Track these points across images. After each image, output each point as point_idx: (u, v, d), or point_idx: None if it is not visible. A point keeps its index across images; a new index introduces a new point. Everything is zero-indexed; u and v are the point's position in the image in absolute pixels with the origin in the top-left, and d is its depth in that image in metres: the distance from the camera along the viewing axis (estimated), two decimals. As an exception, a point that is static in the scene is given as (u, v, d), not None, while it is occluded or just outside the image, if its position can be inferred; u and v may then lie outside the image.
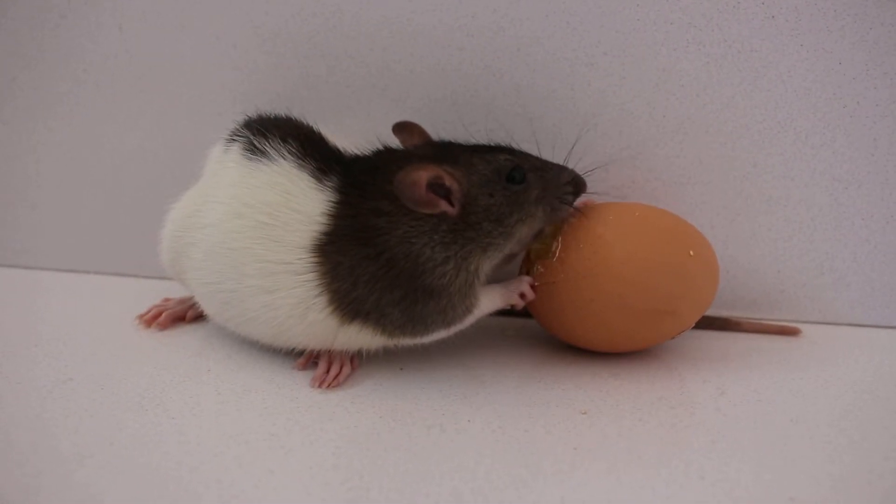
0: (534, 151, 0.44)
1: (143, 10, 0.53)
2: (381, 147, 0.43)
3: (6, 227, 0.60)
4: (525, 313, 0.46)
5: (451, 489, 0.32)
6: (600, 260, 0.42)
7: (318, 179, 0.41)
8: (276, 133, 0.42)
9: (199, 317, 0.50)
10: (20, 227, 0.60)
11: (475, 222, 0.40)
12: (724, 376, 0.43)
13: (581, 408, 0.39)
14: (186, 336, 0.48)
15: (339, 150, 0.43)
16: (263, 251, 0.40)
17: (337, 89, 0.52)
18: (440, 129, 0.48)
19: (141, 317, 0.50)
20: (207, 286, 0.43)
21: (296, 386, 0.42)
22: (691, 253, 0.43)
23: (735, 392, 0.41)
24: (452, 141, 0.44)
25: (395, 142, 0.45)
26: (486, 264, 0.41)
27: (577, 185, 0.42)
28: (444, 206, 0.39)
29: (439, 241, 0.39)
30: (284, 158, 0.41)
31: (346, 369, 0.42)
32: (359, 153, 0.43)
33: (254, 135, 0.43)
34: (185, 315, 0.50)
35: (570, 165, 0.43)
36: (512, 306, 0.44)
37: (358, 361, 0.44)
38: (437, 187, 0.39)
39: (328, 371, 0.42)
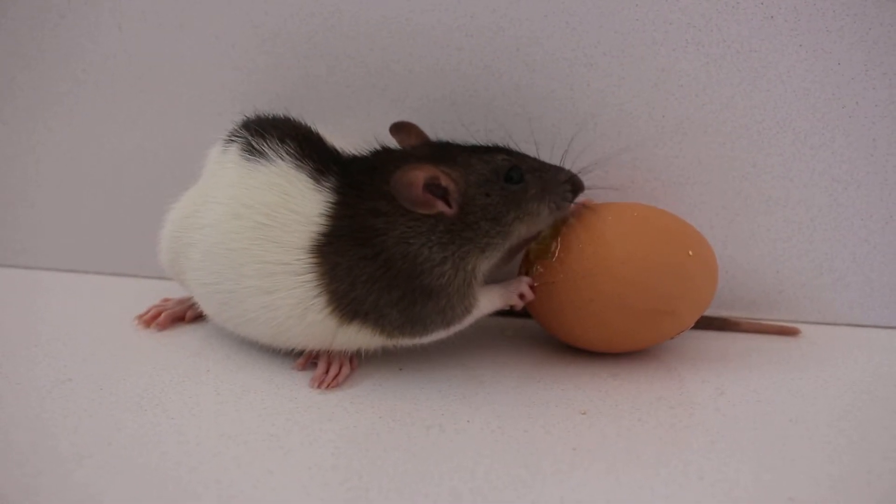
0: (532, 152, 0.44)
1: (142, 10, 0.53)
2: (378, 147, 0.43)
3: (6, 226, 0.60)
4: (524, 313, 0.46)
5: (451, 489, 0.32)
6: (599, 260, 0.42)
7: (316, 180, 0.41)
8: (274, 134, 0.42)
9: (199, 317, 0.50)
10: (20, 227, 0.60)
11: (473, 222, 0.40)
12: (723, 376, 0.43)
13: (580, 408, 0.39)
14: (185, 336, 0.48)
15: (336, 150, 0.43)
16: (262, 252, 0.40)
17: (336, 89, 0.52)
18: (439, 129, 0.48)
19: (140, 317, 0.50)
20: (206, 287, 0.43)
21: (295, 386, 0.42)
22: (690, 253, 0.43)
23: (734, 392, 0.41)
24: (450, 141, 0.44)
25: (393, 142, 0.45)
26: (484, 264, 0.41)
27: (575, 184, 0.42)
28: (441, 206, 0.39)
29: (437, 242, 0.39)
30: (282, 159, 0.41)
31: (346, 370, 0.42)
32: (356, 153, 0.43)
33: (252, 135, 0.43)
34: (185, 315, 0.50)
35: (569, 165, 0.44)
36: (511, 306, 0.44)
37: (357, 362, 0.44)
38: (433, 187, 0.39)
39: (327, 371, 0.42)
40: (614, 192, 0.48)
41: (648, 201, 0.48)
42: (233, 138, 0.44)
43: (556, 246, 0.43)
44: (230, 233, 0.41)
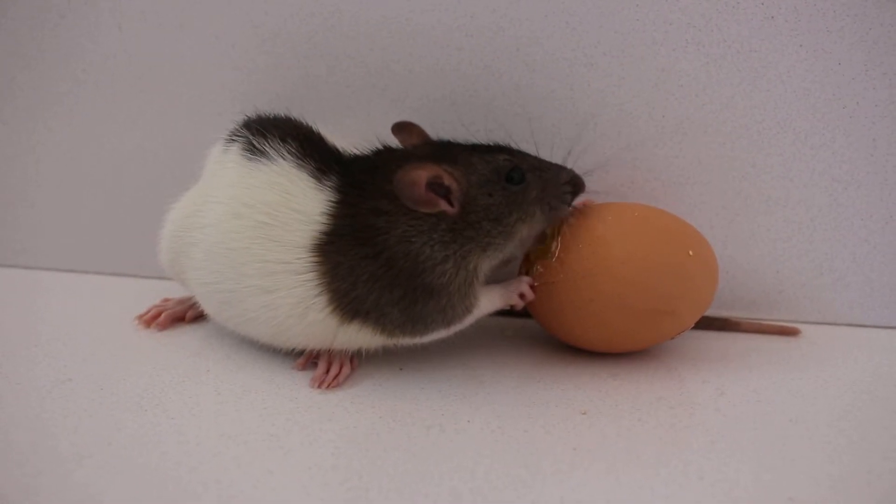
0: (533, 151, 0.44)
1: (142, 10, 0.53)
2: (380, 146, 0.43)
3: (6, 226, 0.60)
4: (525, 313, 0.46)
5: (451, 489, 0.32)
6: (599, 260, 0.42)
7: (318, 179, 0.41)
8: (275, 133, 0.42)
9: (199, 317, 0.50)
10: (20, 227, 0.60)
11: (474, 221, 0.40)
12: (723, 376, 0.43)
13: (580, 408, 0.39)
14: (186, 336, 0.48)
15: (338, 149, 0.43)
16: (263, 251, 0.40)
17: (336, 89, 0.52)
18: (439, 129, 0.48)
19: (140, 317, 0.50)
20: (207, 286, 0.43)
21: (295, 386, 0.42)
22: (690, 253, 0.43)
23: (734, 392, 0.41)
24: (451, 141, 0.44)
25: (394, 142, 0.45)
26: (486, 264, 0.41)
27: (575, 185, 0.42)
28: (443, 205, 0.39)
29: (438, 241, 0.39)
30: (284, 158, 0.41)
31: (346, 369, 0.42)
32: (358, 153, 0.43)
33: (253, 135, 0.43)
34: (185, 315, 0.50)
35: (569, 165, 0.44)
36: (511, 306, 0.44)
37: (357, 361, 0.44)
38: (436, 186, 0.39)
39: (328, 371, 0.42)
40: (614, 192, 0.48)
41: (648, 201, 0.48)
42: (234, 138, 0.44)
43: (556, 246, 0.43)
44: (231, 232, 0.41)
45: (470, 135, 0.46)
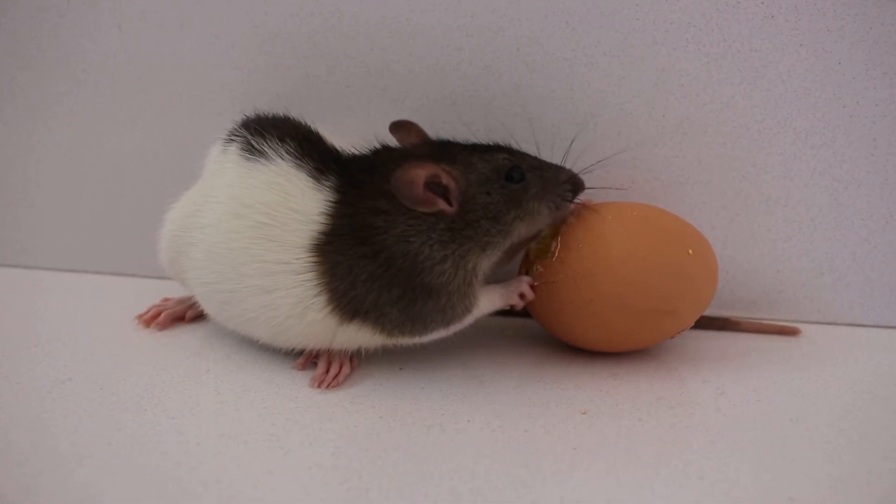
0: (533, 151, 0.44)
1: (142, 10, 0.53)
2: (378, 146, 0.43)
3: (6, 226, 0.60)
4: (524, 313, 0.46)
5: (451, 489, 0.32)
6: (599, 260, 0.42)
7: (316, 179, 0.41)
8: (273, 133, 0.42)
9: (199, 317, 0.50)
10: (20, 227, 0.60)
11: (473, 220, 0.40)
12: (723, 376, 0.43)
13: (580, 408, 0.39)
14: (185, 336, 0.48)
15: (336, 149, 0.43)
16: (262, 251, 0.40)
17: (336, 89, 0.52)
18: (439, 128, 0.48)
19: (140, 317, 0.50)
20: (207, 286, 0.43)
21: (295, 386, 0.42)
22: (690, 252, 0.43)
23: (734, 392, 0.41)
24: (450, 140, 0.44)
25: (393, 141, 0.45)
26: (485, 263, 0.41)
27: (575, 184, 0.42)
28: (441, 204, 0.39)
29: (437, 240, 0.39)
30: (282, 158, 0.41)
31: (346, 369, 0.42)
32: (356, 152, 0.43)
33: (252, 135, 0.43)
34: (185, 315, 0.50)
35: (569, 165, 0.44)
36: (511, 306, 0.44)
37: (357, 361, 0.44)
38: (434, 186, 0.39)
39: (327, 371, 0.42)
40: (614, 192, 0.48)
41: (648, 201, 0.48)
42: (233, 138, 0.44)
43: (556, 246, 0.43)
44: (230, 232, 0.41)
45: (470, 135, 0.46)
